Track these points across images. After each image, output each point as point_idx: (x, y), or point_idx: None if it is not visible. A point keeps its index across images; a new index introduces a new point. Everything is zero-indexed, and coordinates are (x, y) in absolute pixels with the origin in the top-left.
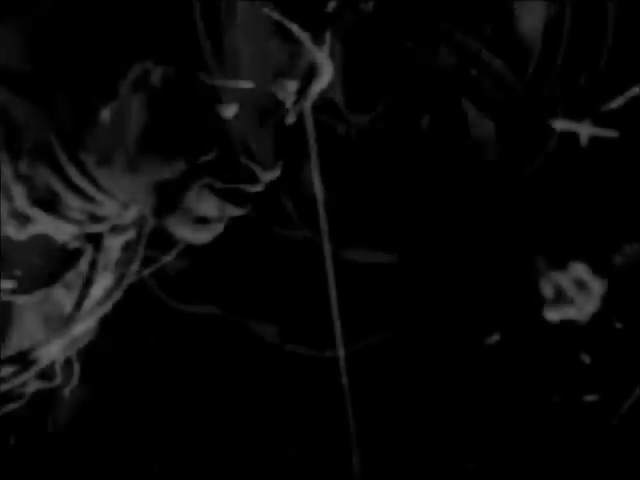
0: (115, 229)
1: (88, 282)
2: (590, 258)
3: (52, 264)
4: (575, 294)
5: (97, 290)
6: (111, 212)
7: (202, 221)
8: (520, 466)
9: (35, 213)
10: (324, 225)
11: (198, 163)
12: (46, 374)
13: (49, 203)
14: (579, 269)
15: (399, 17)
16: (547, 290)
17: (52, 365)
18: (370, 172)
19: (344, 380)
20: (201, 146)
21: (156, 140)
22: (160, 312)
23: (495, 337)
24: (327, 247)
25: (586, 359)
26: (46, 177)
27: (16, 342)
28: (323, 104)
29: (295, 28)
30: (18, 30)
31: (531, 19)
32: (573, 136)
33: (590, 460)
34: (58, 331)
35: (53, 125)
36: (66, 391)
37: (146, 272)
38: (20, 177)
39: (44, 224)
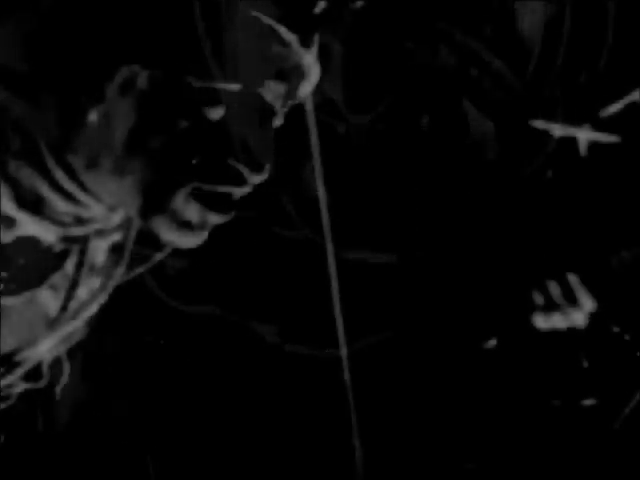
0: (101, 232)
1: (74, 284)
2: (583, 267)
3: (38, 266)
4: (564, 304)
5: (83, 292)
6: (97, 215)
7: (186, 226)
8: (519, 469)
9: (21, 216)
10: (326, 225)
11: (185, 166)
12: (33, 375)
13: (35, 205)
14: (571, 279)
15: (399, 17)
16: (538, 298)
17: (39, 366)
18: (370, 172)
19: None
20: (188, 149)
21: (143, 143)
22: (160, 312)
23: (492, 341)
24: (329, 247)
25: (584, 363)
26: (32, 179)
27: (2, 344)
28: (323, 103)
29: (283, 30)
30: (16, 30)
31: (531, 18)
32: (572, 141)
33: (589, 464)
34: (44, 333)
35: (40, 127)
36: (57, 390)
37: (137, 272)
38: (7, 179)
39: (30, 226)
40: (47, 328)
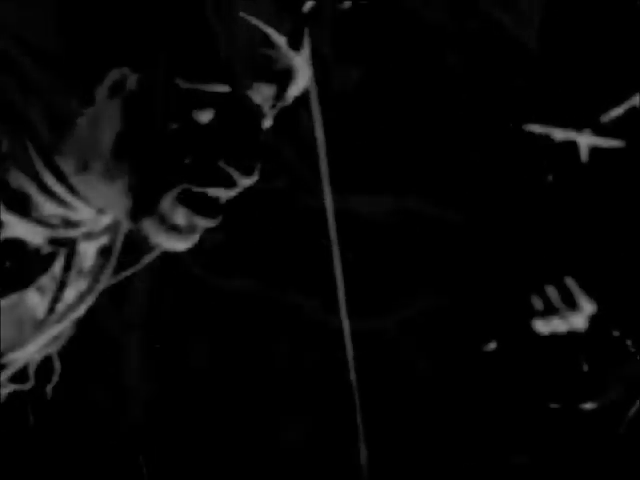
0: (89, 234)
1: (61, 286)
2: (582, 271)
3: (25, 268)
4: (564, 308)
5: (70, 294)
6: (86, 217)
7: (175, 229)
8: (520, 471)
9: (9, 218)
10: (325, 171)
11: (175, 168)
12: (20, 377)
13: (23, 207)
14: (570, 283)
15: None
16: (537, 303)
17: (26, 368)
18: (363, 121)
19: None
20: (177, 151)
21: (132, 145)
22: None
23: (492, 344)
24: (327, 191)
25: (584, 366)
26: (21, 181)
27: None
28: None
29: (272, 32)
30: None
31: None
32: (572, 145)
33: (589, 467)
34: (31, 334)
35: (29, 130)
36: (48, 390)
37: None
38: None
39: (18, 228)
40: (34, 330)
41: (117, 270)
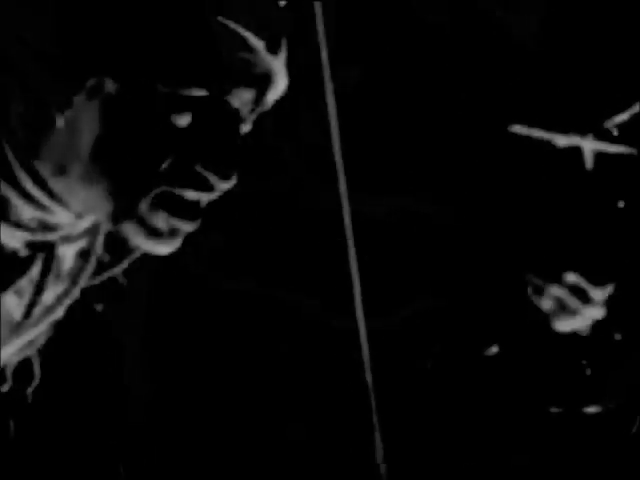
0: (68, 238)
1: (39, 290)
2: (584, 266)
3: (3, 271)
4: (576, 303)
5: (48, 298)
6: (64, 221)
7: (154, 233)
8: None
9: None
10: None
11: (153, 172)
12: None
13: (1, 211)
14: (574, 278)
15: None
16: (546, 304)
17: (3, 371)
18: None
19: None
20: (156, 154)
21: (110, 149)
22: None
23: (494, 348)
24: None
25: (587, 370)
26: None
27: None
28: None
29: (250, 36)
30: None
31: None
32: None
33: (592, 471)
34: (8, 337)
35: (6, 132)
36: (28, 392)
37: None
38: None
39: None
40: (11, 333)
41: (96, 272)
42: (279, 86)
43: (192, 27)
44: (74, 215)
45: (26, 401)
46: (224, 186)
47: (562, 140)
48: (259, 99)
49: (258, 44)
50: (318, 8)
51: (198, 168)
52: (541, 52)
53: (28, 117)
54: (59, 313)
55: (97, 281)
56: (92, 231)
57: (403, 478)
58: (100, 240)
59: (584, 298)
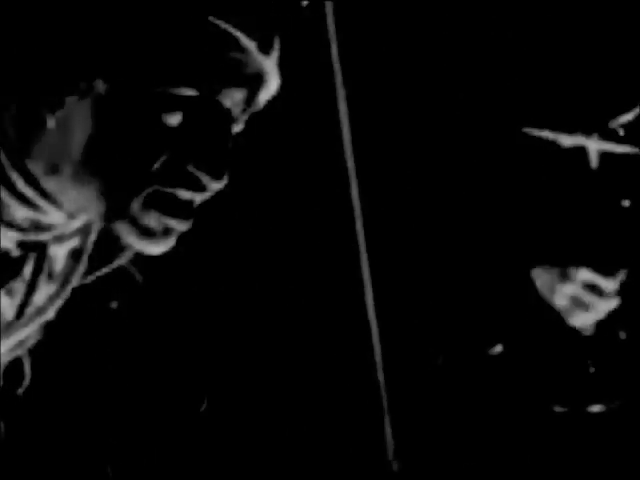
0: (60, 238)
1: (31, 290)
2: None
3: None
4: (590, 298)
5: (40, 298)
6: (57, 221)
7: (147, 232)
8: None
9: None
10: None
11: (144, 171)
12: None
13: None
14: (585, 274)
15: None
16: (560, 300)
17: None
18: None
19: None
20: (148, 154)
21: (102, 148)
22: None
23: (498, 347)
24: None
25: (591, 369)
26: None
27: None
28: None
29: (241, 36)
30: None
31: None
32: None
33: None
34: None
35: None
36: (19, 392)
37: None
38: None
39: None
40: (2, 333)
41: (88, 272)
42: (271, 86)
43: (183, 27)
44: (66, 215)
45: (17, 401)
46: (216, 186)
47: (567, 140)
48: (251, 99)
49: (250, 44)
50: (329, 8)
51: (190, 168)
52: (546, 52)
53: (19, 118)
54: (50, 314)
55: (89, 280)
56: (84, 231)
57: (414, 475)
58: (92, 240)
59: (596, 291)
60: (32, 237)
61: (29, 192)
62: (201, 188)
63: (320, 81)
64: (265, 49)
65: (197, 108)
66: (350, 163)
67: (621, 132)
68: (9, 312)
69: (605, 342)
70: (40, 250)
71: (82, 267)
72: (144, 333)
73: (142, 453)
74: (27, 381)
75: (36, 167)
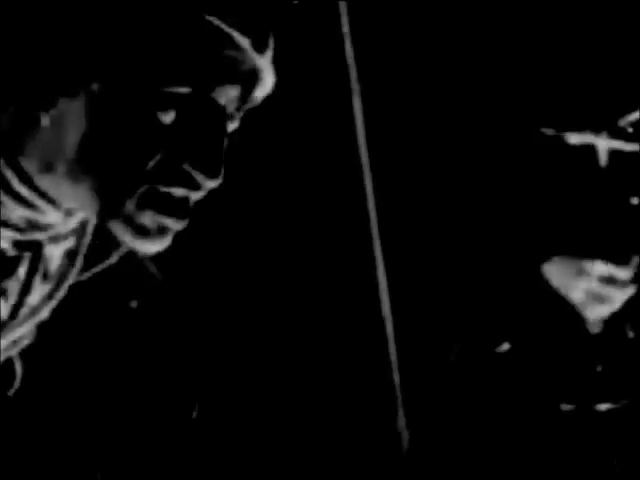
0: (56, 237)
1: (25, 290)
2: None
3: None
4: (607, 290)
5: (34, 298)
6: (53, 220)
7: (142, 231)
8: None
9: None
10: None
11: (140, 169)
12: None
13: None
14: (600, 267)
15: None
16: (577, 294)
17: None
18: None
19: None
20: (142, 152)
21: (96, 147)
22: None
23: (505, 345)
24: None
25: (598, 367)
26: None
27: None
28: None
29: (236, 34)
30: None
31: None
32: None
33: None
34: None
35: None
36: (10, 393)
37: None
38: None
39: None
40: None
41: (83, 271)
42: (266, 83)
43: (177, 25)
44: (63, 214)
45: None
46: (211, 184)
47: (576, 138)
48: (245, 96)
49: (244, 41)
50: (343, 8)
51: (185, 166)
52: (556, 51)
53: (13, 116)
54: (44, 314)
55: (84, 278)
56: (79, 231)
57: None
58: (87, 240)
59: (612, 283)
60: (28, 237)
61: (24, 191)
62: (196, 186)
63: (335, 77)
64: (259, 46)
65: (191, 106)
66: (364, 158)
67: (630, 130)
68: (3, 312)
69: (613, 340)
70: (35, 250)
71: (77, 267)
72: (153, 334)
73: (135, 459)
74: (18, 382)
75: (30, 165)
